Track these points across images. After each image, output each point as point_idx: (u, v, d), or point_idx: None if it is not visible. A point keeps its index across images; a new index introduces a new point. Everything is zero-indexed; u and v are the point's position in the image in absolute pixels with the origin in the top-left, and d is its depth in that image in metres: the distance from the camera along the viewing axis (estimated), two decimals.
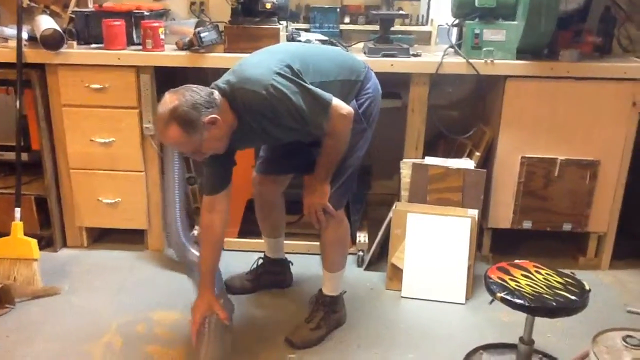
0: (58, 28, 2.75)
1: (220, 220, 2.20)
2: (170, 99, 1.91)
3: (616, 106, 2.70)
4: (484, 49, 2.70)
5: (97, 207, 2.94)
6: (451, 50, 2.82)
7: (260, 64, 2.04)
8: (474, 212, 2.63)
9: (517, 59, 2.70)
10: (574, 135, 2.74)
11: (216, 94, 1.98)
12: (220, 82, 2.05)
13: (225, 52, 2.78)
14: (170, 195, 2.87)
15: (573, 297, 1.90)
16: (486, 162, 2.86)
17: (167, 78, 2.80)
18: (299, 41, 2.87)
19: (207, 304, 2.17)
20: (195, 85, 1.99)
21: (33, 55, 2.75)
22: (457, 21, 2.91)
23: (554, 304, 1.88)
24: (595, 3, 2.90)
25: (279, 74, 1.98)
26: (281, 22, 2.87)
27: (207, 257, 2.23)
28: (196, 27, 2.98)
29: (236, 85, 1.99)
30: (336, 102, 2.04)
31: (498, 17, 2.72)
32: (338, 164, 2.16)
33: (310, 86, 2.02)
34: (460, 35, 2.92)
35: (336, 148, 2.11)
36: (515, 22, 2.69)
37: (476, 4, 2.69)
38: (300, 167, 2.33)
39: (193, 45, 2.78)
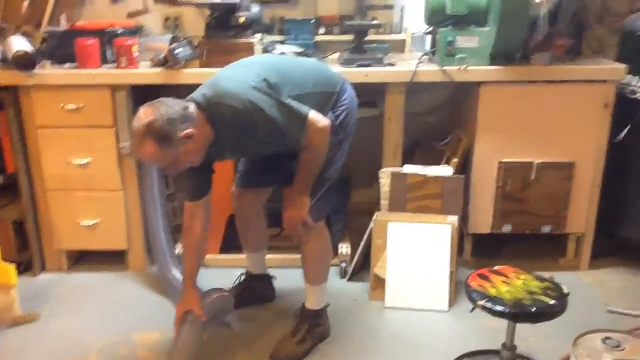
0: (31, 49, 2.73)
1: (200, 225, 2.21)
2: (145, 114, 1.91)
3: (589, 108, 2.73)
4: (458, 55, 2.72)
5: (76, 229, 2.91)
6: (425, 57, 2.84)
7: (236, 77, 2.04)
8: (454, 219, 2.65)
9: (491, 64, 2.72)
10: (549, 138, 2.77)
11: (192, 107, 1.98)
12: (195, 95, 2.04)
13: (200, 67, 2.77)
14: (151, 213, 2.84)
15: (552, 302, 1.92)
16: (464, 168, 2.87)
17: (143, 95, 2.77)
18: (274, 52, 2.89)
19: (188, 301, 2.23)
20: (171, 99, 1.98)
21: (6, 77, 2.72)
22: (430, 29, 2.94)
23: (534, 309, 1.89)
24: (565, 6, 2.93)
25: (255, 87, 1.99)
26: (256, 35, 2.88)
27: (189, 259, 2.26)
28: (171, 43, 2.98)
29: (212, 99, 1.99)
30: (313, 114, 2.05)
31: (470, 24, 2.74)
32: (316, 176, 2.16)
33: (286, 100, 2.02)
34: (433, 43, 2.95)
35: (314, 161, 2.11)
36: (487, 28, 2.71)
37: (448, 12, 2.71)
38: (279, 179, 2.33)
39: (168, 61, 2.77)
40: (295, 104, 2.02)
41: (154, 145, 1.89)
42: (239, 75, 2.04)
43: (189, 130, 1.92)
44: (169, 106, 1.93)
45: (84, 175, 2.83)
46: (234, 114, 1.96)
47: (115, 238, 2.93)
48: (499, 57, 2.73)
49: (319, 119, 2.06)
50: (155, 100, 1.97)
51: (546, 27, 2.69)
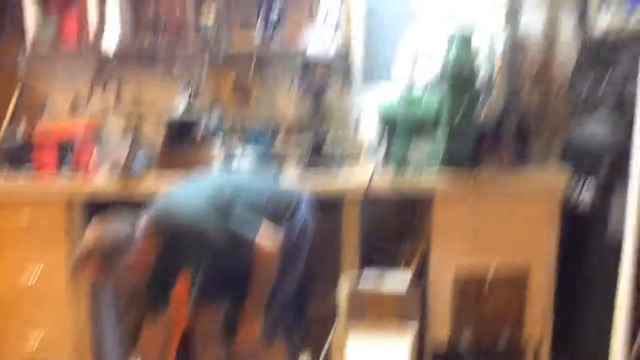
0: None
1: (156, 344, 2.18)
2: (93, 234, 1.92)
3: (538, 215, 2.83)
4: (411, 165, 2.82)
5: (24, 345, 2.78)
6: (380, 166, 2.93)
7: (187, 200, 2.07)
8: (412, 331, 2.64)
9: (442, 173, 2.82)
10: (503, 246, 2.84)
11: (141, 225, 1.98)
12: (145, 214, 2.05)
13: (158, 178, 2.79)
14: (103, 330, 2.76)
15: None
16: (421, 277, 2.90)
17: (99, 205, 2.77)
18: (233, 163, 2.93)
19: None
20: (120, 217, 1.99)
21: None
22: (383, 138, 3.05)
23: None
24: (511, 113, 3.09)
25: (202, 209, 2.02)
26: (215, 144, 2.93)
27: None
28: (130, 150, 3.01)
29: (158, 220, 2.02)
30: (261, 237, 2.06)
31: (421, 134, 2.86)
32: (269, 294, 2.15)
33: (234, 224, 2.05)
34: (387, 152, 3.05)
35: (264, 281, 2.11)
36: (437, 138, 2.84)
37: (400, 123, 2.83)
38: (234, 296, 2.31)
39: (126, 170, 2.79)
40: (243, 223, 2.04)
41: (99, 265, 1.88)
42: (190, 199, 2.08)
43: (135, 250, 1.92)
44: (116, 226, 1.94)
45: (33, 290, 2.74)
46: (181, 234, 1.97)
47: (63, 355, 2.81)
48: (450, 166, 2.84)
49: (267, 242, 2.08)
50: (105, 219, 1.98)
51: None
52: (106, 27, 3.03)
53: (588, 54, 3.08)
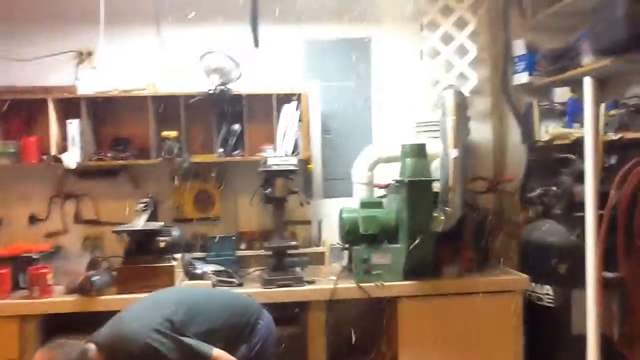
0: None
1: None
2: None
3: (501, 317, 2.85)
4: (374, 272, 2.84)
5: None
6: (343, 274, 2.94)
7: (140, 318, 2.05)
8: None
9: (405, 279, 2.85)
10: (468, 349, 2.83)
11: (91, 351, 1.94)
12: (97, 336, 2.02)
13: (117, 294, 2.73)
14: None
15: None
16: None
17: (56, 322, 2.69)
18: (195, 274, 2.90)
19: None
20: (71, 342, 1.96)
21: None
22: (346, 245, 3.08)
23: None
24: (467, 219, 3.18)
25: (157, 330, 1.99)
26: (176, 257, 2.91)
27: None
28: (88, 267, 2.96)
29: (112, 342, 1.98)
30: (217, 354, 2.03)
31: (383, 242, 2.90)
32: None
33: (189, 341, 2.02)
34: (351, 258, 3.07)
35: None
36: (399, 245, 2.88)
37: (361, 231, 2.88)
38: None
39: (84, 288, 2.72)
40: (198, 344, 2.03)
41: None
42: (144, 316, 2.05)
43: None
44: (67, 352, 1.89)
45: None
46: (132, 357, 1.94)
47: None
48: (412, 272, 2.87)
49: (224, 358, 2.04)
50: (54, 344, 1.95)
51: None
52: (67, 145, 3.06)
53: (536, 158, 3.25)
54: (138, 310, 2.12)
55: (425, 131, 3.26)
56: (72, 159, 3.05)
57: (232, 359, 2.06)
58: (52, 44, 3.25)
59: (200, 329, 2.07)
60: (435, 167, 3.08)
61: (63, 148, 3.10)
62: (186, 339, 2.01)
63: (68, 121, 3.08)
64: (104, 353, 1.96)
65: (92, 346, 1.96)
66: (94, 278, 2.72)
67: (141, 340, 1.95)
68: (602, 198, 2.69)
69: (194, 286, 2.78)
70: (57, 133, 3.08)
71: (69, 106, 3.10)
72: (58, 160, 3.04)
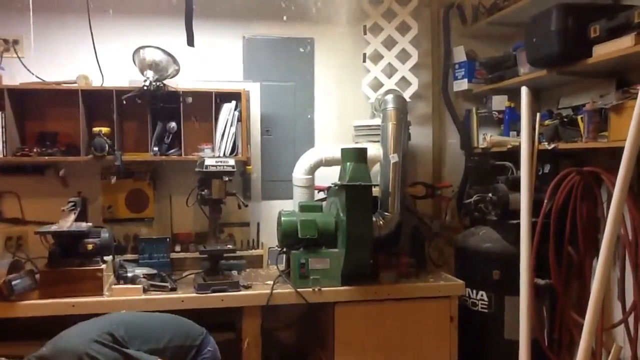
0: None
1: None
2: None
3: (436, 322, 2.87)
4: (311, 277, 2.80)
5: None
6: (281, 279, 2.88)
7: (80, 333, 1.99)
8: None
9: (343, 284, 2.82)
10: (404, 354, 2.84)
11: None
12: (34, 355, 1.93)
13: (40, 299, 2.58)
14: None
15: None
16: None
17: None
18: (126, 277, 2.78)
19: None
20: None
21: None
22: (284, 249, 3.03)
23: None
24: (405, 224, 3.20)
25: (97, 341, 1.92)
26: (106, 259, 2.77)
27: None
28: (9, 270, 2.77)
29: (49, 358, 1.87)
30: None
31: (321, 246, 2.87)
32: None
33: (131, 352, 1.95)
34: (289, 262, 3.02)
35: None
36: (337, 250, 2.85)
37: (300, 235, 2.83)
38: None
39: (2, 293, 2.55)
40: (141, 355, 1.95)
41: None
42: (84, 331, 1.99)
43: None
44: None
45: None
46: None
47: None
48: (350, 276, 2.85)
49: None
50: None
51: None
52: None
53: (474, 165, 3.30)
54: (78, 328, 2.05)
55: (365, 134, 3.25)
56: None
57: None
58: None
59: (142, 348, 1.99)
60: (375, 171, 3.08)
61: None
62: (129, 351, 1.94)
63: None
64: None
65: None
66: (15, 282, 2.55)
67: (81, 351, 1.86)
68: (535, 206, 2.76)
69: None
70: None
71: None
72: None
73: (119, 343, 1.95)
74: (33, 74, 3.04)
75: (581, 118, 2.63)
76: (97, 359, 1.87)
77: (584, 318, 2.35)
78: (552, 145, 2.75)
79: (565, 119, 2.77)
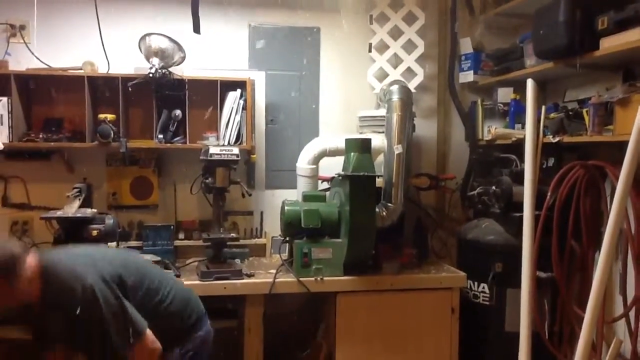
0: None
1: None
2: None
3: (438, 314, 2.88)
4: (314, 266, 2.80)
5: None
6: (283, 268, 2.89)
7: (97, 263, 1.95)
8: None
9: (345, 274, 2.83)
10: (405, 345, 2.85)
11: (25, 263, 1.83)
12: (46, 255, 1.93)
13: None
14: None
15: None
16: None
17: None
18: None
19: None
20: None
21: None
22: (287, 238, 3.04)
23: None
24: (408, 215, 3.20)
25: (105, 281, 1.90)
26: (110, 245, 2.79)
27: None
28: None
29: (56, 269, 1.88)
30: (149, 332, 1.95)
31: (324, 236, 2.87)
32: None
33: (128, 306, 1.93)
34: (291, 251, 3.03)
35: None
36: (340, 240, 2.86)
37: (303, 225, 2.83)
38: None
39: None
40: (135, 314, 1.94)
41: None
42: (101, 262, 1.96)
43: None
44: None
45: None
46: (65, 291, 1.85)
47: None
48: (352, 267, 2.85)
49: (152, 340, 1.96)
50: None
51: None
52: None
53: (478, 157, 3.30)
54: (98, 253, 2.06)
55: (370, 125, 3.24)
56: (0, 138, 2.87)
57: (158, 344, 1.97)
58: None
59: (145, 304, 1.99)
60: (379, 162, 3.08)
61: None
62: (127, 303, 1.91)
63: None
64: (42, 277, 1.85)
65: (32, 259, 1.85)
66: None
67: (88, 283, 1.84)
68: (539, 199, 2.75)
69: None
70: None
71: None
72: None
73: (124, 290, 1.93)
74: (39, 59, 3.05)
75: (586, 111, 2.62)
76: (96, 298, 1.84)
77: (585, 311, 2.36)
78: (557, 138, 2.74)
79: (571, 112, 2.76)
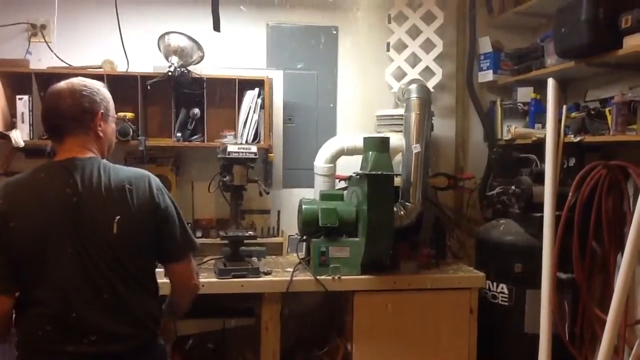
0: None
1: None
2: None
3: (456, 314, 2.86)
4: (331, 265, 2.79)
5: None
6: (300, 266, 2.89)
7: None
8: None
9: (362, 273, 2.81)
10: (422, 345, 2.83)
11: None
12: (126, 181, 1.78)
13: None
14: None
15: None
16: None
17: None
18: None
19: None
20: None
21: None
22: (304, 237, 3.03)
23: None
24: (426, 215, 3.18)
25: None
26: None
27: None
28: None
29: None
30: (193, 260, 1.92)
31: (342, 235, 2.86)
32: None
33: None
34: (309, 250, 3.02)
35: (179, 306, 1.97)
36: (357, 239, 2.85)
37: (320, 223, 2.83)
38: None
39: None
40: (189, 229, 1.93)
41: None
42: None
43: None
44: None
45: None
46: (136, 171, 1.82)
47: None
48: (369, 266, 2.84)
49: (197, 271, 1.96)
50: None
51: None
52: (16, 122, 2.92)
53: (497, 157, 3.26)
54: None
55: (388, 124, 3.23)
56: (21, 136, 2.90)
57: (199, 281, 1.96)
58: (3, 14, 3.08)
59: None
60: (397, 161, 3.06)
61: (12, 125, 2.95)
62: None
63: (18, 97, 2.93)
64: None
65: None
66: None
67: (148, 175, 1.83)
68: (560, 199, 2.72)
69: None
70: (5, 109, 2.92)
71: (19, 81, 2.94)
72: (5, 137, 2.88)
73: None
74: (60, 58, 3.08)
75: (609, 110, 2.58)
76: (157, 181, 1.82)
77: (606, 313, 2.32)
78: (579, 138, 2.71)
79: (593, 112, 2.73)
